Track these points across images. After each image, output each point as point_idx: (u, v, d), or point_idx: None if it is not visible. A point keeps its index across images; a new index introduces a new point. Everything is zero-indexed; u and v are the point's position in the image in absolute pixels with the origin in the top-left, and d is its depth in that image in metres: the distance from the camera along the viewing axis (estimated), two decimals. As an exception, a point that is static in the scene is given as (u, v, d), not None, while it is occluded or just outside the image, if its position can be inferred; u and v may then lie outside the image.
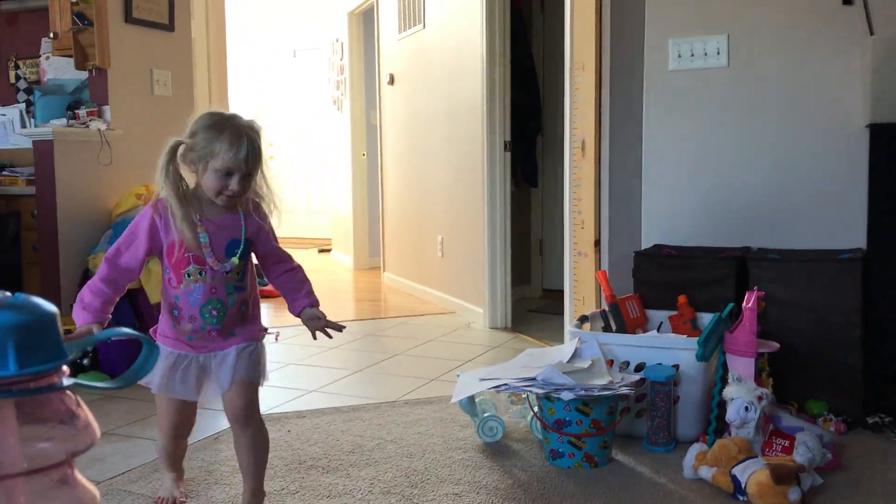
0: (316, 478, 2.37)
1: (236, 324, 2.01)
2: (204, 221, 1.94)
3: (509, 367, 2.73)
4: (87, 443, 0.57)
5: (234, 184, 1.90)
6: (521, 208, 5.58)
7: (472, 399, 2.72)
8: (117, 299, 1.92)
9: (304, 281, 2.12)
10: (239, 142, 1.89)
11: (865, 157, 2.92)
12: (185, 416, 2.14)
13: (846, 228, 3.02)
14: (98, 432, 0.60)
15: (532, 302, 5.67)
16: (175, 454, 2.23)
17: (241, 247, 1.98)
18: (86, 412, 0.58)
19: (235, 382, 2.02)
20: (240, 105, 8.59)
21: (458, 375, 2.78)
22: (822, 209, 3.09)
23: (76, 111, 4.03)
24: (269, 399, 3.24)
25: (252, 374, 2.04)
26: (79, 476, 0.59)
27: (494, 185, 4.73)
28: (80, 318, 1.86)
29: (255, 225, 2.02)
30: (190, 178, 1.96)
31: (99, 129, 3.99)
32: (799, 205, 3.13)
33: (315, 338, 2.07)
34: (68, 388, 0.58)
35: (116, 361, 3.51)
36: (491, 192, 4.72)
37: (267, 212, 2.06)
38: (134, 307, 3.70)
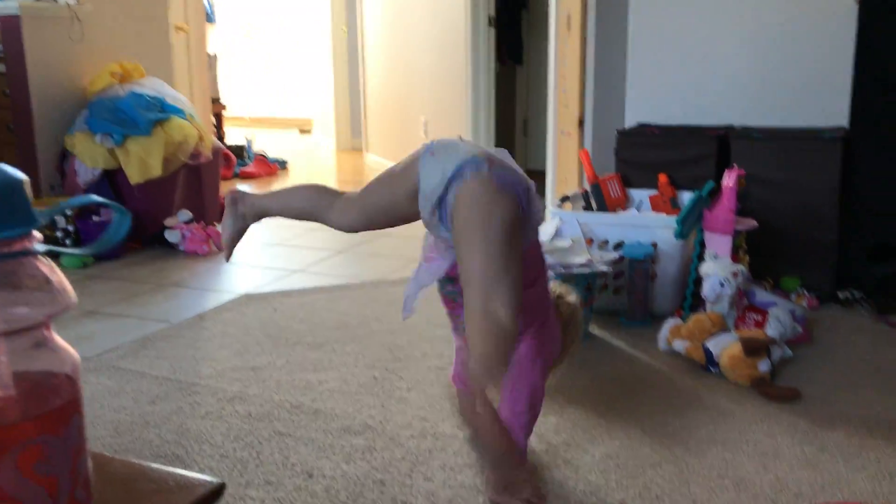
0: (302, 353, 2.43)
1: None
2: None
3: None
4: (63, 305, 0.58)
5: None
6: (505, 87, 5.49)
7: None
8: None
9: None
10: None
11: (852, 35, 2.87)
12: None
13: (829, 107, 3.00)
14: (74, 297, 0.61)
15: (515, 182, 5.67)
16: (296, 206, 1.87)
17: None
18: (60, 277, 0.59)
19: None
20: (214, -21, 8.24)
21: (440, 254, 2.80)
22: (806, 88, 3.06)
23: (42, -16, 3.87)
24: (256, 278, 3.28)
25: None
26: (58, 339, 0.60)
27: (478, 63, 4.63)
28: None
29: None
30: None
31: (68, 4, 3.84)
32: (783, 83, 3.10)
33: None
34: (42, 253, 0.58)
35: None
36: (475, 70, 4.64)
37: None
38: (114, 187, 3.68)
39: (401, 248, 3.75)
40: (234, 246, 1.85)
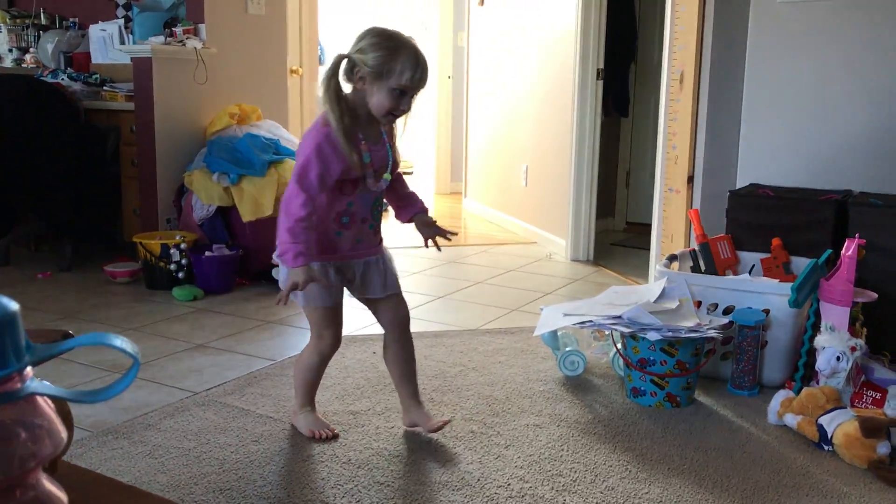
0: (400, 401, 2.44)
1: (376, 237, 2.12)
2: (366, 142, 1.98)
3: (594, 304, 2.72)
4: (50, 450, 0.55)
5: (405, 104, 1.93)
6: (609, 139, 5.46)
7: (554, 333, 2.74)
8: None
9: (411, 189, 2.20)
10: (418, 62, 1.89)
11: None
12: (340, 323, 2.19)
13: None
14: (64, 438, 0.57)
15: (615, 235, 5.61)
16: (318, 380, 2.25)
17: (390, 165, 2.04)
18: (51, 418, 0.56)
19: (394, 294, 2.14)
20: (327, 24, 8.55)
21: (541, 308, 2.79)
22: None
23: (173, 28, 4.10)
24: (355, 321, 3.33)
25: (398, 285, 2.16)
26: (46, 485, 0.58)
27: (584, 114, 4.63)
28: (296, 261, 1.89)
29: (392, 144, 2.06)
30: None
31: (195, 48, 4.05)
32: (909, 148, 2.97)
33: (427, 245, 2.16)
34: (28, 395, 0.55)
35: (210, 276, 3.64)
36: (580, 121, 4.63)
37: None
38: (226, 224, 3.82)
39: (497, 296, 3.74)
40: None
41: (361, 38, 1.92)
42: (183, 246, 3.64)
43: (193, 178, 3.83)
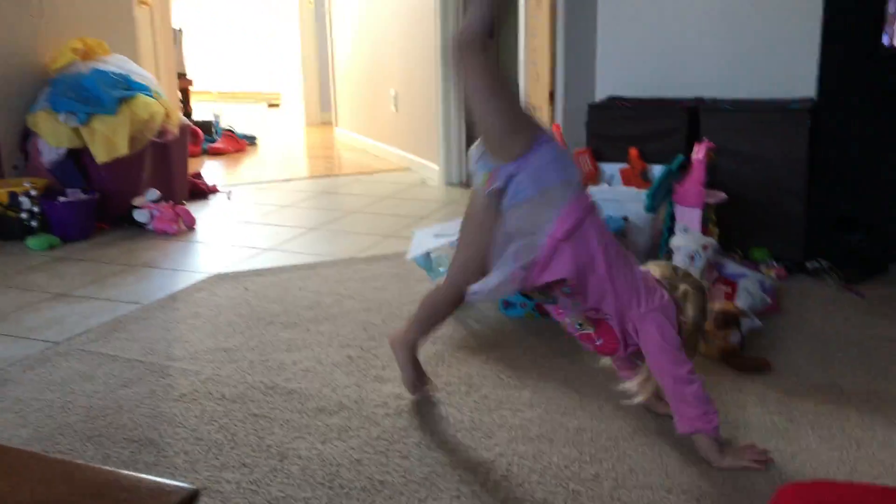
0: (275, 333, 2.42)
1: None
2: None
3: (463, 222, 2.75)
4: None
5: None
6: (475, 60, 5.45)
7: (427, 255, 2.76)
8: None
9: None
10: None
11: (819, 6, 2.88)
12: None
13: (798, 78, 3.02)
14: None
15: (487, 156, 5.65)
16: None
17: None
18: None
19: None
20: (177, -50, 8.06)
21: (412, 232, 2.80)
22: (775, 59, 3.08)
23: (-1, -42, 3.76)
24: (227, 258, 3.25)
25: None
26: None
27: (448, 35, 4.59)
28: None
29: None
30: None
31: (26, -22, 3.74)
32: (752, 54, 3.11)
33: None
34: None
35: (67, 222, 3.46)
36: (445, 43, 4.59)
37: None
38: (79, 167, 3.61)
39: (372, 223, 3.73)
40: (424, 385, 2.00)
41: None
42: (33, 192, 3.42)
43: (38, 120, 3.58)
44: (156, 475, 1.63)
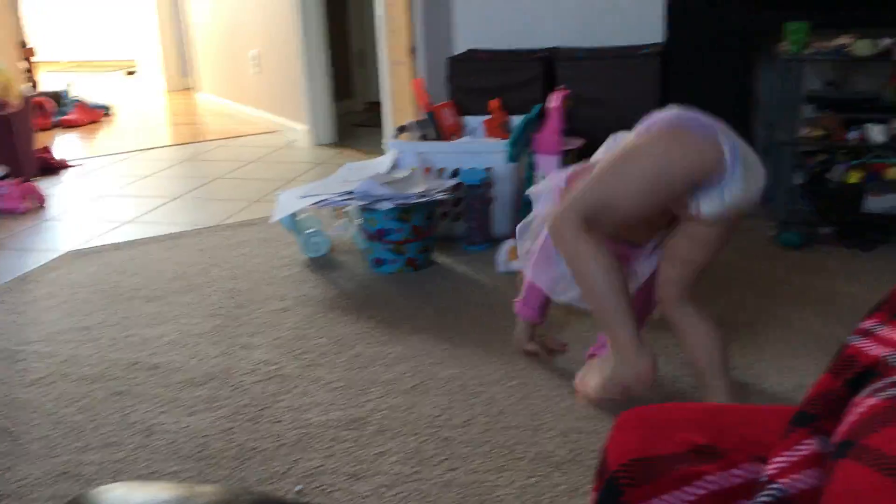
0: (137, 307, 2.33)
1: None
2: None
3: (329, 183, 2.72)
4: None
5: None
6: (337, 19, 5.35)
7: (293, 217, 2.71)
8: None
9: None
10: None
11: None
12: None
13: (647, 25, 3.12)
14: None
15: (357, 116, 5.58)
16: None
17: None
18: None
19: None
20: None
21: (277, 195, 2.75)
22: (624, 8, 3.16)
23: None
24: (82, 234, 3.09)
25: None
26: None
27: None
28: None
29: None
30: None
31: None
32: (604, 4, 3.18)
33: None
34: None
35: None
36: (304, 1, 4.47)
37: None
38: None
39: (238, 189, 3.63)
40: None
41: None
42: None
43: None
44: (9, 465, 1.56)
